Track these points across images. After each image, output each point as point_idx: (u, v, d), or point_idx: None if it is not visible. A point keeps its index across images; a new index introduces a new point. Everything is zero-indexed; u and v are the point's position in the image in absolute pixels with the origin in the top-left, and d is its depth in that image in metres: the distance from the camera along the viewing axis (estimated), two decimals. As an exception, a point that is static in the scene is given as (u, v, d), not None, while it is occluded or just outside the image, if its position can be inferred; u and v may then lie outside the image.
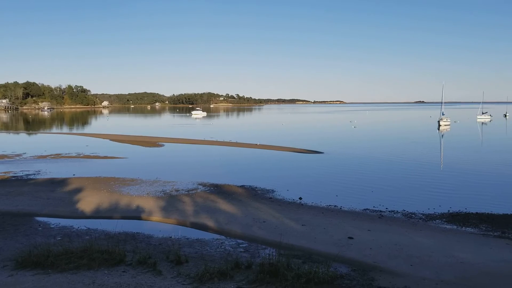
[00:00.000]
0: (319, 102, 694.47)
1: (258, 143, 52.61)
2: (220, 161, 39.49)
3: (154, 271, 10.41)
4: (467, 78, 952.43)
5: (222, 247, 14.51)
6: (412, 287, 10.37)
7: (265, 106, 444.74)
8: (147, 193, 24.00)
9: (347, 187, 26.97)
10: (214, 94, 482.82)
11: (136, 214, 19.58)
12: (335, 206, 21.77)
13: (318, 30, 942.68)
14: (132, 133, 71.45)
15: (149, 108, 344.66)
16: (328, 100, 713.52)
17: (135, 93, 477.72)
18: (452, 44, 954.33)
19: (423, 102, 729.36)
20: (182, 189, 25.23)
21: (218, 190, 25.30)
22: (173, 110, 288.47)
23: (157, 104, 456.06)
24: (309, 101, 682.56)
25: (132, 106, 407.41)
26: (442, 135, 73.21)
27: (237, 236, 16.09)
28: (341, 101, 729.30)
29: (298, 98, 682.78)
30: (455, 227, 18.12)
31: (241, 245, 14.77)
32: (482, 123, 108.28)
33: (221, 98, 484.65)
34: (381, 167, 35.76)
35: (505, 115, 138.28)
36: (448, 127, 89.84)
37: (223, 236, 16.16)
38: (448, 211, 20.74)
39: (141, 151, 48.08)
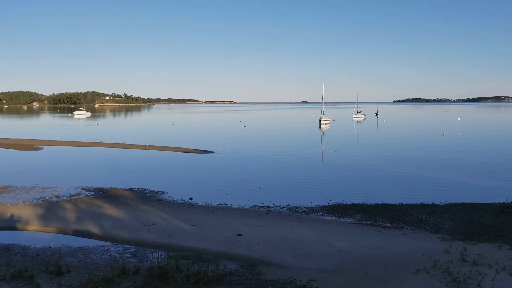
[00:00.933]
0: (210, 102, 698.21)
1: (147, 144, 51.28)
2: (106, 163, 37.70)
3: (32, 285, 9.70)
4: (344, 80, 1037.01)
5: (108, 253, 13.94)
6: (296, 278, 11.01)
7: (155, 106, 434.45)
8: (23, 201, 22.08)
9: (237, 185, 27.62)
10: (99, 93, 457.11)
11: (10, 224, 17.93)
12: (225, 204, 22.17)
13: (208, 30, 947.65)
14: (4, 136, 64.87)
15: (25, 108, 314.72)
16: (219, 100, 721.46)
17: (8, 92, 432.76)
18: (331, 50, 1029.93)
19: (306, 102, 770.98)
20: (63, 195, 23.65)
21: (104, 194, 24.18)
22: (53, 110, 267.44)
23: (34, 104, 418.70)
24: (200, 101, 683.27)
25: (6, 106, 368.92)
26: (323, 133, 78.45)
27: (124, 241, 15.56)
28: (231, 101, 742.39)
29: (188, 98, 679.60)
30: (334, 218, 19.63)
31: (128, 251, 14.33)
32: (357, 121, 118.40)
33: (107, 98, 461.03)
34: (268, 165, 37.21)
35: (376, 114, 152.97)
36: (328, 125, 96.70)
37: (109, 242, 15.51)
38: (328, 203, 22.39)
39: (16, 155, 44.09)
